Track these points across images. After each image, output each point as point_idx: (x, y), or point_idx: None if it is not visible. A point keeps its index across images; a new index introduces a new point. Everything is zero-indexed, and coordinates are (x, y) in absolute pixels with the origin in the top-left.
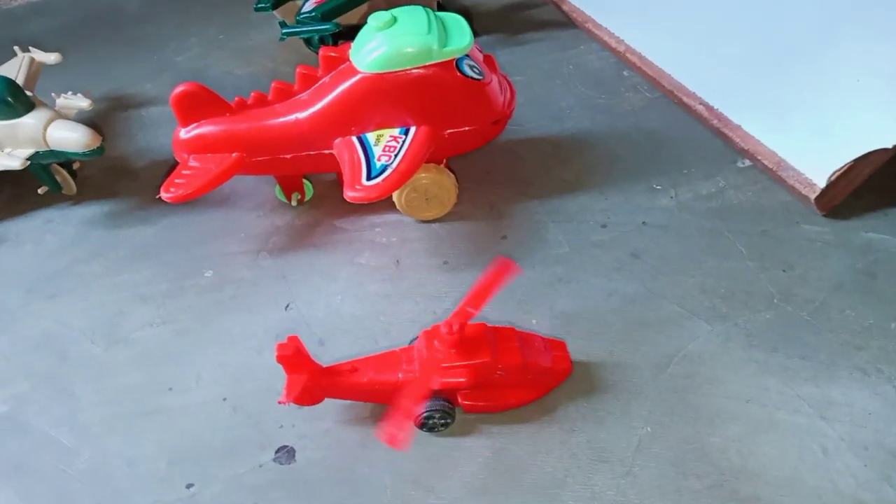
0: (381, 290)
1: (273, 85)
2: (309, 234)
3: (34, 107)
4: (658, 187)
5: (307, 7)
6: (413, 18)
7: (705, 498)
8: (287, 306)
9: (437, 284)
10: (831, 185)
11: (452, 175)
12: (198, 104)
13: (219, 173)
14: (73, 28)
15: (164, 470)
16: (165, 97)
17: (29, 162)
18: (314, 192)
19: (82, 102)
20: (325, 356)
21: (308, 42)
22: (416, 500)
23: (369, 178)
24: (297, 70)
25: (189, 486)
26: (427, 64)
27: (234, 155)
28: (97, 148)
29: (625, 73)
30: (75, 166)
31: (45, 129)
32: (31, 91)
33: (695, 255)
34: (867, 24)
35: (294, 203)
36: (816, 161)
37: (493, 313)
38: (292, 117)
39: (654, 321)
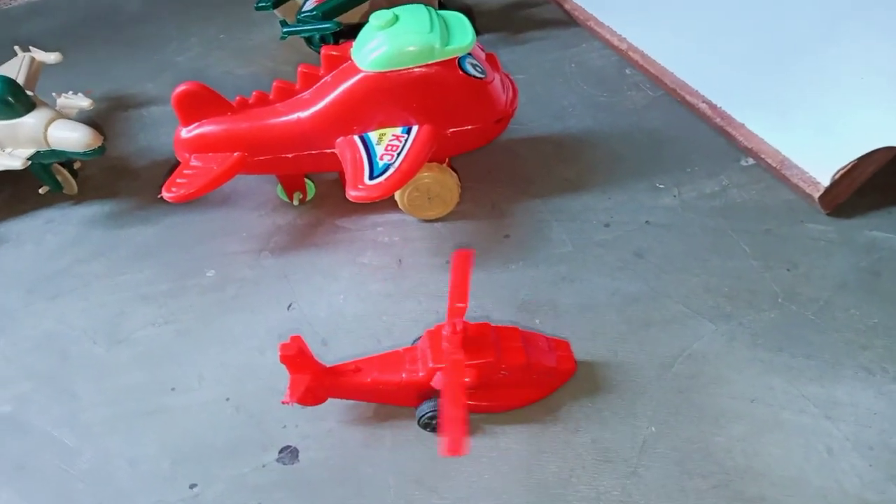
0: (383, 290)
1: (275, 84)
2: (311, 234)
3: (35, 106)
4: (661, 186)
5: (308, 6)
6: (415, 17)
7: (710, 498)
8: (289, 306)
9: (440, 284)
10: (835, 184)
11: (455, 174)
12: (199, 103)
13: (220, 173)
14: (72, 28)
15: (167, 470)
16: (166, 97)
17: (30, 162)
18: (316, 191)
19: (83, 102)
20: (328, 356)
21: (309, 41)
22: (419, 500)
23: (371, 177)
24: (299, 69)
25: (192, 486)
26: (429, 63)
27: (235, 154)
28: (98, 147)
29: (627, 71)
30: (76, 166)
31: (45, 128)
32: (32, 91)
33: (699, 254)
34: (871, 22)
35: (296, 202)
36: (820, 159)
37: (497, 313)
38: (294, 116)
39: (658, 320)
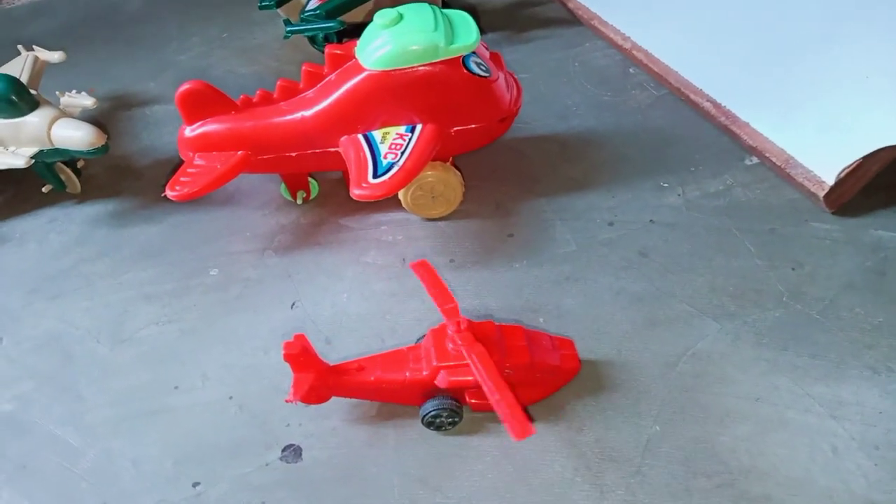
0: (387, 289)
1: (278, 83)
2: (314, 233)
3: (38, 105)
4: (665, 185)
5: (311, 5)
6: (419, 15)
7: (715, 497)
8: (293, 305)
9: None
10: (840, 183)
11: (459, 173)
12: (203, 102)
13: (224, 171)
14: (74, 28)
15: (170, 469)
16: (169, 96)
17: (33, 160)
18: (320, 190)
19: (86, 101)
20: (332, 355)
21: (312, 40)
22: (423, 500)
23: (375, 175)
24: (303, 68)
25: (195, 485)
26: (433, 61)
27: (239, 153)
28: (102, 146)
29: (631, 70)
30: (80, 165)
31: (49, 127)
32: (35, 89)
33: (703, 253)
34: (876, 21)
35: (299, 201)
36: (825, 158)
37: (501, 312)
38: (298, 115)
39: (662, 319)
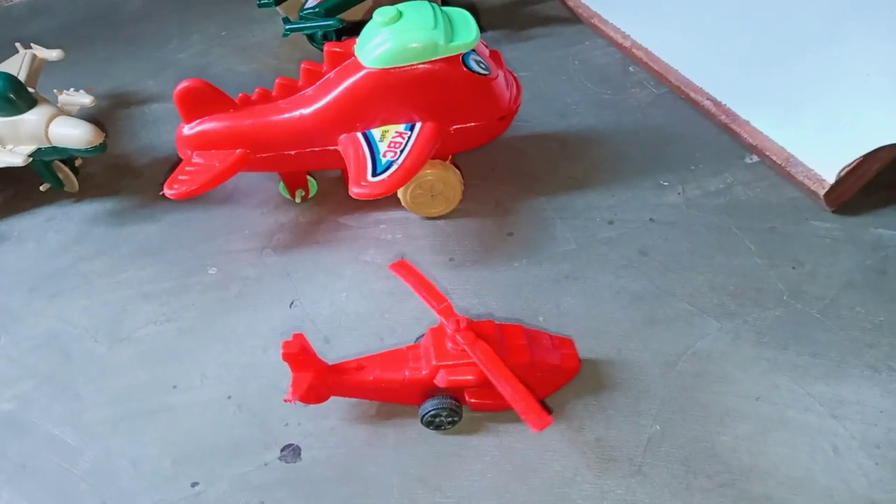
0: (386, 288)
1: (277, 81)
2: (313, 232)
3: (36, 103)
4: (665, 184)
5: (310, 3)
6: (419, 13)
7: (716, 497)
8: (292, 304)
9: (443, 282)
10: (840, 181)
11: (458, 171)
12: (201, 100)
13: (222, 170)
14: (73, 27)
15: (169, 469)
16: (167, 94)
17: (31, 159)
18: (318, 188)
19: (84, 99)
20: (331, 354)
21: (311, 38)
22: (423, 499)
23: (374, 174)
24: (302, 66)
25: (194, 484)
26: (433, 59)
27: (237, 151)
28: (100, 144)
29: (631, 68)
30: (77, 163)
31: (47, 125)
32: (34, 88)
33: (703, 251)
34: (877, 20)
35: (298, 200)
36: (825, 157)
37: (500, 311)
38: (297, 113)
39: (662, 318)
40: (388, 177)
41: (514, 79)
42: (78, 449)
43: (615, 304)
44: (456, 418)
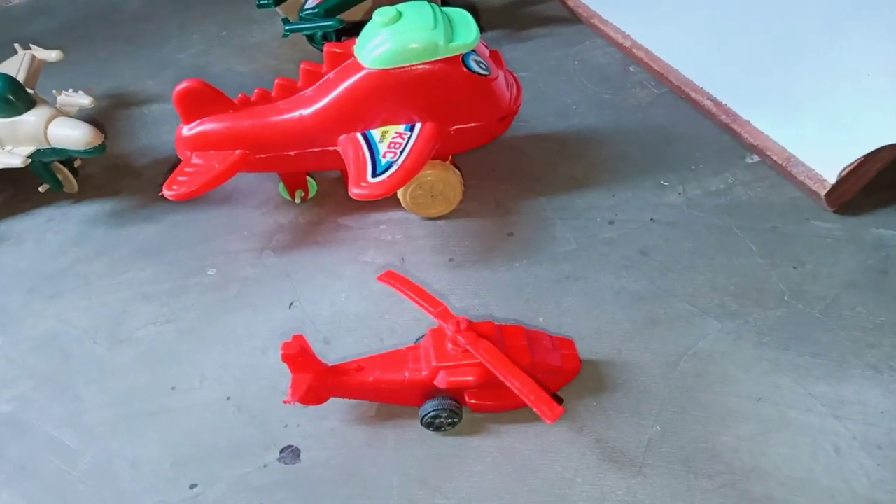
0: (386, 289)
1: (277, 81)
2: (313, 232)
3: (35, 104)
4: (666, 184)
5: (310, 3)
6: (419, 13)
7: (717, 498)
8: (291, 305)
9: (443, 282)
10: (842, 181)
11: (458, 172)
12: (201, 101)
13: (222, 170)
14: (72, 27)
15: (169, 470)
16: (167, 94)
17: (30, 160)
18: (318, 189)
19: (84, 100)
20: (331, 355)
21: (311, 39)
22: (423, 500)
23: (374, 174)
24: (301, 66)
25: (193, 486)
26: (433, 59)
27: (237, 152)
28: (99, 145)
29: (631, 68)
30: (77, 164)
31: (46, 126)
32: (32, 88)
33: (704, 251)
34: (878, 19)
35: (298, 200)
36: (826, 157)
37: (501, 311)
38: (296, 114)
39: (663, 319)
40: (388, 177)
41: (514, 79)
42: (77, 450)
43: (616, 304)
44: (456, 419)
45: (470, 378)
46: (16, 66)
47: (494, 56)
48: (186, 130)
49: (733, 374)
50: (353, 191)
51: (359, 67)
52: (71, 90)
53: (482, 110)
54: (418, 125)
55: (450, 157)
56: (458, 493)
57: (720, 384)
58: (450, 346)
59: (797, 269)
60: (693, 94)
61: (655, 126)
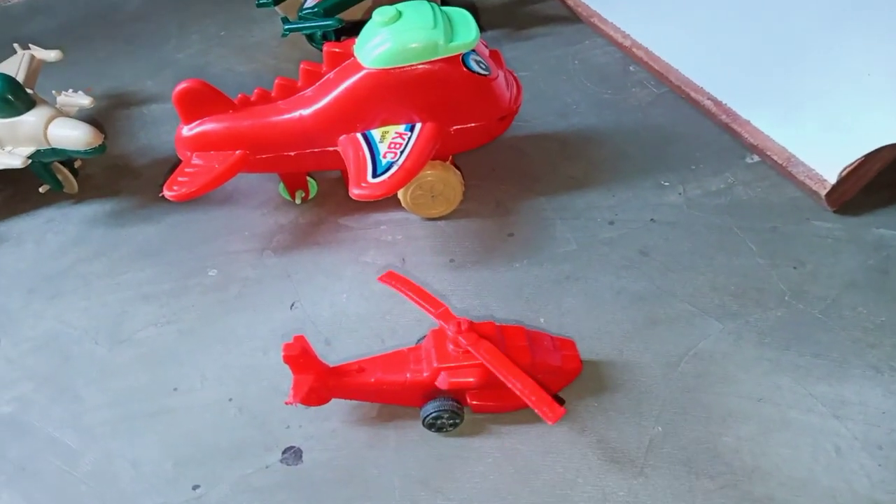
0: (386, 289)
1: (276, 81)
2: (313, 233)
3: (35, 105)
4: (666, 184)
5: (309, 3)
6: (419, 13)
7: (718, 498)
8: (292, 305)
9: (444, 283)
10: (842, 181)
11: (458, 172)
12: (201, 101)
13: (222, 171)
14: (72, 26)
15: (170, 471)
16: (167, 95)
17: (30, 160)
18: (318, 189)
19: (83, 100)
20: (332, 356)
21: (311, 38)
22: (424, 501)
23: (374, 175)
24: (301, 66)
25: (195, 487)
26: (433, 59)
27: (237, 152)
28: (99, 146)
29: (631, 68)
30: (77, 164)
31: (45, 127)
32: (32, 89)
33: (704, 252)
34: (878, 19)
35: (298, 201)
36: (827, 156)
37: (501, 312)
38: (296, 114)
39: (663, 319)
40: (389, 178)
41: (515, 79)
42: (78, 451)
43: (616, 304)
44: (457, 420)
45: (471, 379)
46: (15, 66)
47: (494, 56)
48: (186, 131)
49: (734, 374)
50: (354, 191)
51: (358, 67)
52: (70, 90)
53: (482, 110)
54: (418, 125)
55: (450, 158)
56: (459, 493)
57: (721, 384)
58: (451, 347)
59: (798, 270)
60: (693, 94)
61: (655, 126)
